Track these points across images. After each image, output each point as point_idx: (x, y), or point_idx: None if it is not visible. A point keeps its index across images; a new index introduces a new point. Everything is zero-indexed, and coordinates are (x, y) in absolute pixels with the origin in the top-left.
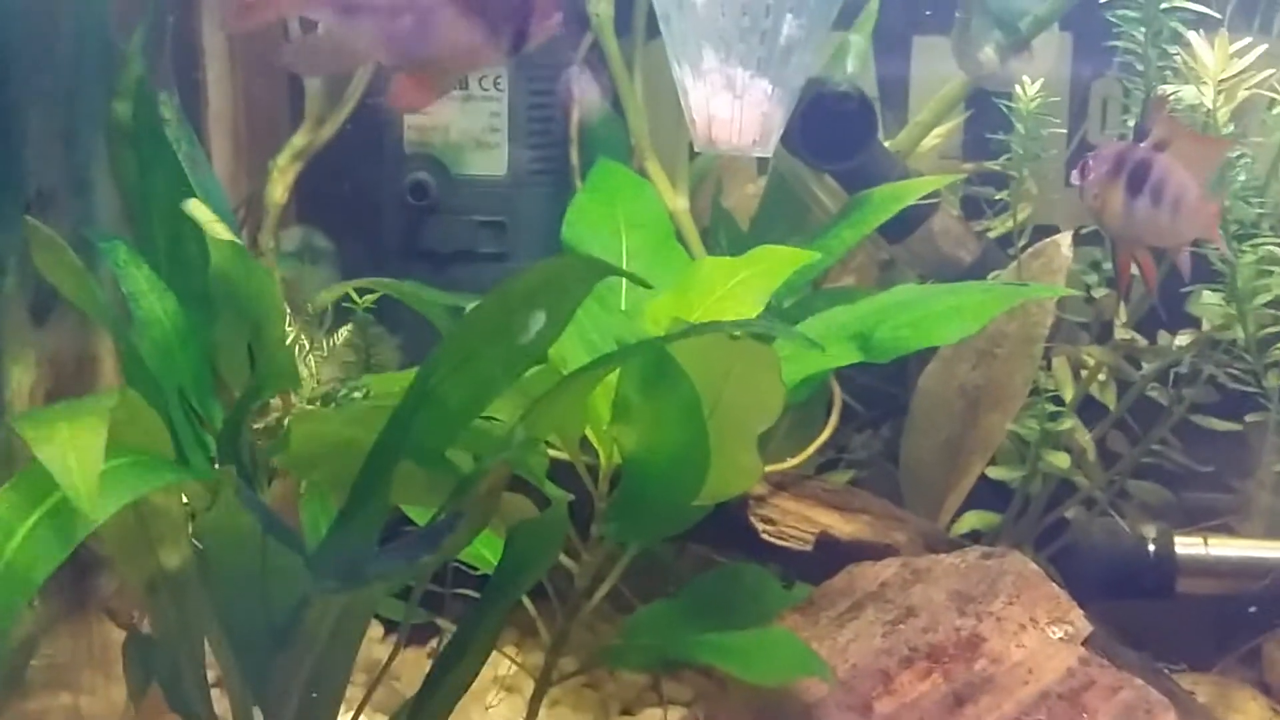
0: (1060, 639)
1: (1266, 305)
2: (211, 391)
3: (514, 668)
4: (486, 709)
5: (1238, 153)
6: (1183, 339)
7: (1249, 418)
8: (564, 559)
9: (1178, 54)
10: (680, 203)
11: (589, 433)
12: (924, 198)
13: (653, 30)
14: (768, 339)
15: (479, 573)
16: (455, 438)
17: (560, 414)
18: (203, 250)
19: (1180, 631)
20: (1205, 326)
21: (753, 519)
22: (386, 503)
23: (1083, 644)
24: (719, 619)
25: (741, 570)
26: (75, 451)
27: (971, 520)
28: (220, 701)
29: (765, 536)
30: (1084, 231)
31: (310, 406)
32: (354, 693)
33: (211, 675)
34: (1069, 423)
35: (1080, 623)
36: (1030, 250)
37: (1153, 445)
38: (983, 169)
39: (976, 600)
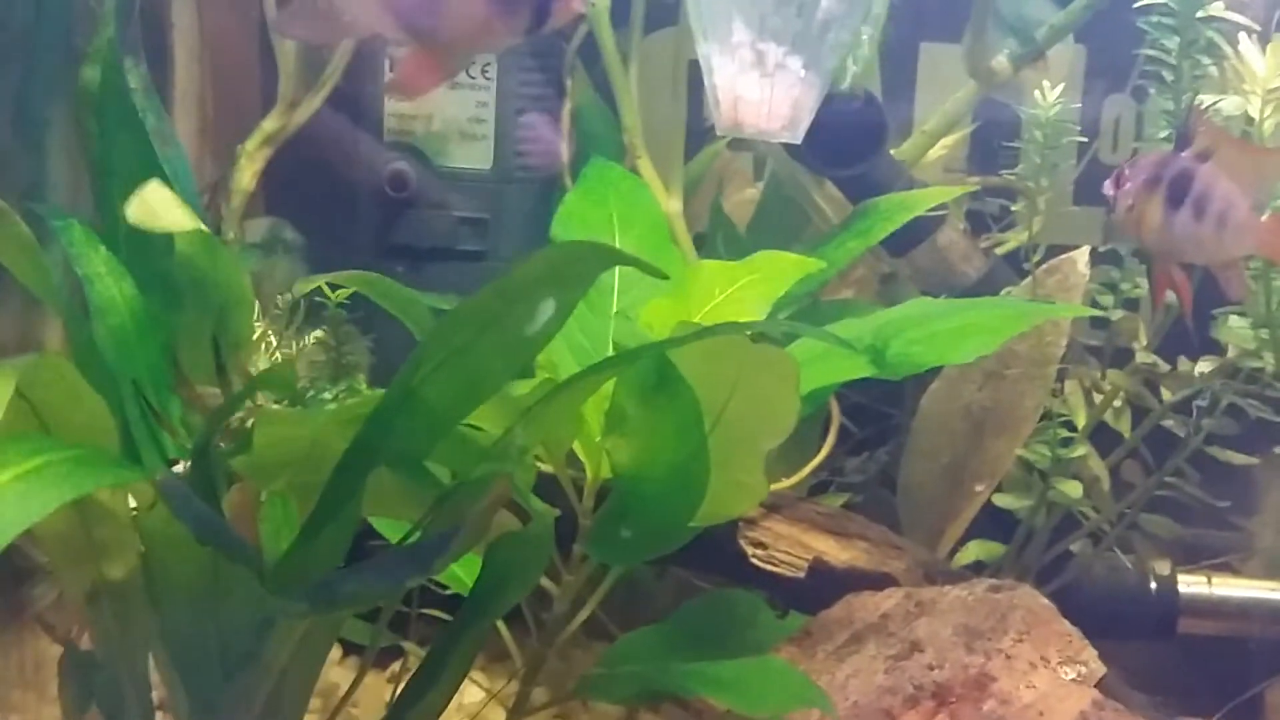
0: (1073, 680)
1: None
2: (169, 385)
3: (481, 696)
4: None
5: None
6: (1204, 365)
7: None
8: (542, 580)
9: (1213, 65)
10: (674, 205)
11: (576, 445)
12: (930, 210)
13: (651, 24)
14: (783, 345)
15: (448, 591)
16: (439, 442)
17: (550, 424)
18: (168, 233)
19: (1179, 674)
20: (1231, 353)
21: (742, 542)
22: (358, 514)
23: (1095, 686)
24: (708, 648)
25: (733, 597)
26: None
27: (975, 550)
28: None
29: (755, 561)
30: (1102, 250)
31: (276, 406)
32: None
33: (156, 696)
34: (1082, 449)
35: (1094, 663)
36: (1045, 267)
37: (1166, 477)
38: (1003, 181)
39: (985, 636)
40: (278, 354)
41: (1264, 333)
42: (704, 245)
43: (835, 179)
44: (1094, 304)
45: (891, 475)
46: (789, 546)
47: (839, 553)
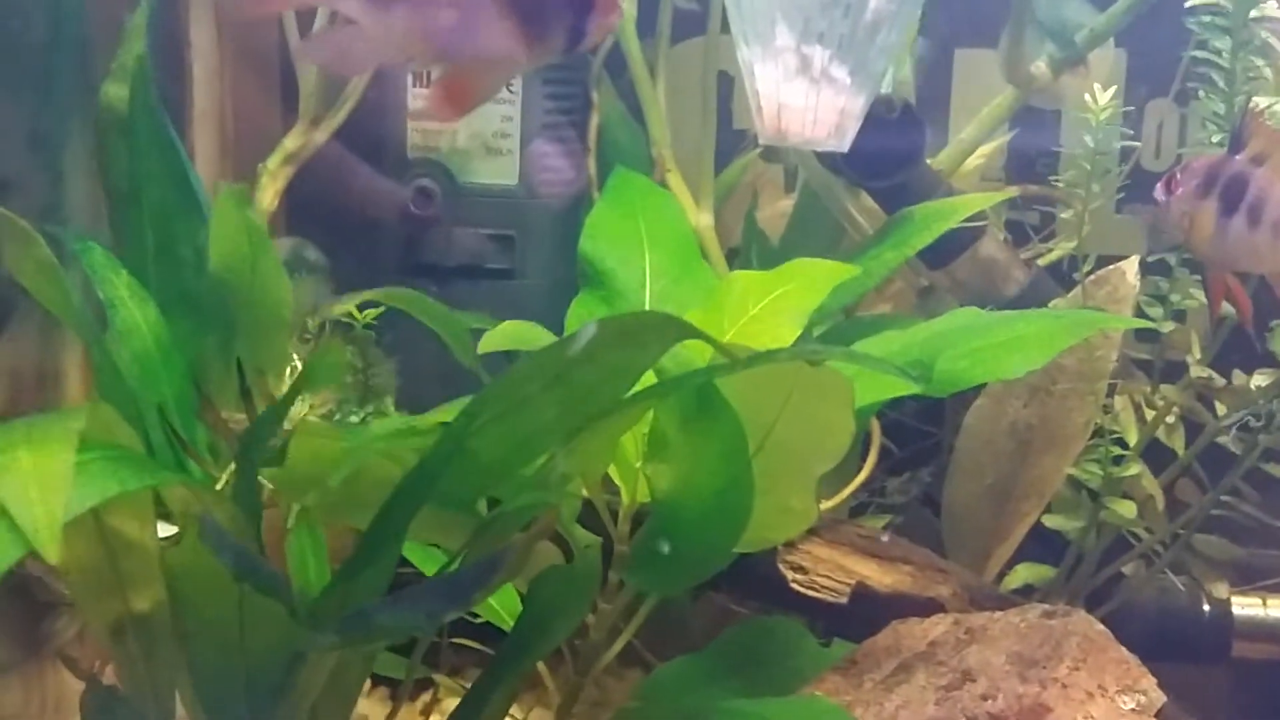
0: (1132, 710)
1: None
2: (194, 411)
3: None
4: None
5: None
6: (1260, 379)
7: None
8: None
9: (1267, 66)
10: (704, 219)
11: (611, 469)
12: (968, 220)
13: (678, 34)
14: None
15: (478, 620)
16: (489, 489)
17: (592, 452)
18: (197, 252)
19: (1233, 698)
20: None
21: (781, 566)
22: (399, 553)
23: (1155, 715)
24: (749, 679)
25: (774, 625)
26: (39, 486)
27: (1024, 574)
28: None
29: (795, 586)
30: (1150, 260)
31: (314, 420)
32: None
33: None
34: (1135, 468)
35: (1153, 692)
36: (1093, 278)
37: (1222, 496)
38: (1044, 190)
39: (1039, 664)
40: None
41: None
42: (737, 259)
43: (871, 190)
44: (1142, 316)
45: (933, 496)
46: (830, 571)
47: (882, 577)
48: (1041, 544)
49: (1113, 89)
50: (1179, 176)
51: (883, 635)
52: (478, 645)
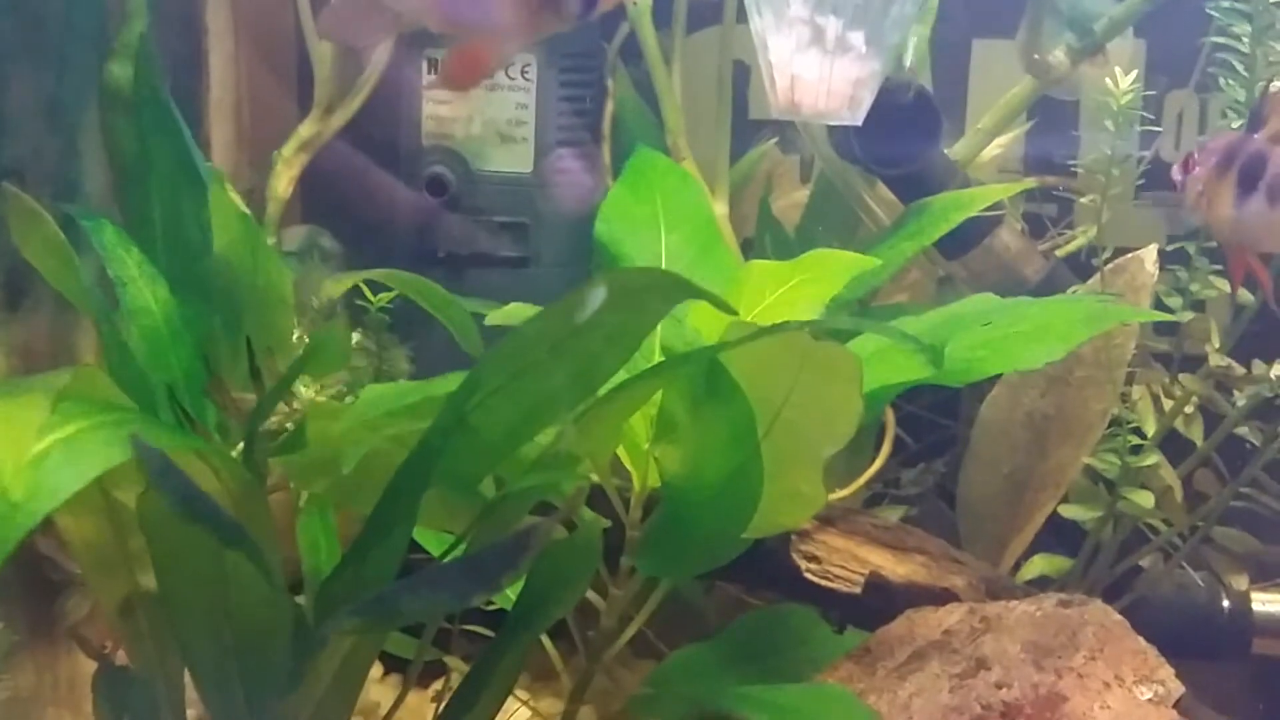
0: (1149, 700)
1: None
2: (204, 390)
3: (522, 714)
4: None
5: None
6: None
7: None
8: (589, 594)
9: None
10: (719, 209)
11: (621, 453)
12: (986, 210)
13: (694, 23)
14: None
15: (491, 607)
16: (494, 466)
17: (598, 433)
18: (204, 232)
19: (1255, 696)
20: None
21: (795, 556)
22: (408, 535)
23: (1174, 706)
24: (762, 666)
25: (787, 612)
26: (7, 441)
27: (1040, 565)
28: None
29: (808, 575)
30: (1169, 249)
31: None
32: None
33: (193, 715)
34: (1153, 458)
35: (1171, 683)
36: (1111, 267)
37: (1242, 488)
38: (1061, 179)
39: (1055, 654)
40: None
41: None
42: (751, 249)
43: (887, 178)
44: (1160, 306)
45: (948, 487)
46: (844, 560)
47: (896, 567)
48: (1058, 536)
49: (1134, 73)
50: (1197, 156)
51: (897, 624)
52: (489, 633)
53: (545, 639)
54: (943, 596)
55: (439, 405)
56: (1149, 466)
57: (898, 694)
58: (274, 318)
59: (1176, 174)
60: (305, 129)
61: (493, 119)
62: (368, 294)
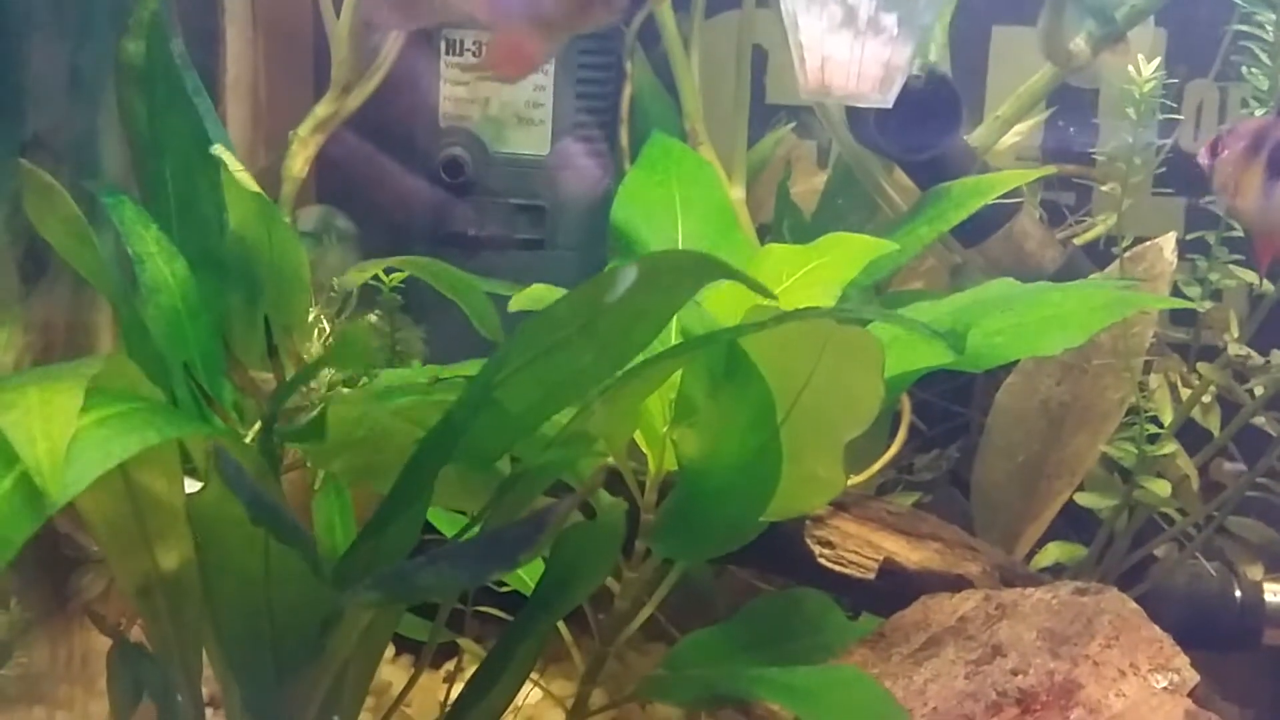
0: (1165, 689)
1: None
2: (222, 369)
3: (534, 697)
4: None
5: None
6: None
7: None
8: None
9: None
10: (736, 193)
11: (637, 436)
12: (1003, 197)
13: (713, 7)
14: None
15: (503, 589)
16: (515, 443)
17: (616, 414)
18: (219, 209)
19: (1270, 686)
20: None
21: (809, 541)
22: (425, 511)
23: (1189, 695)
24: (775, 650)
25: (801, 596)
26: (43, 420)
27: (1054, 552)
28: None
29: (822, 561)
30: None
31: (346, 390)
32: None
33: (206, 692)
34: (1170, 447)
35: (1186, 671)
36: (1129, 254)
37: (1258, 478)
38: (1080, 170)
39: (1070, 641)
40: (331, 340)
41: None
42: (768, 234)
43: (906, 164)
44: (1179, 295)
45: (962, 475)
46: (858, 546)
47: (910, 554)
48: (1073, 524)
49: (1156, 62)
50: (1225, 139)
51: (911, 610)
52: (502, 614)
53: (561, 625)
54: (957, 583)
55: (454, 386)
56: (1166, 455)
57: (913, 679)
58: (290, 296)
59: (1204, 158)
60: (322, 109)
61: (510, 101)
62: (381, 276)
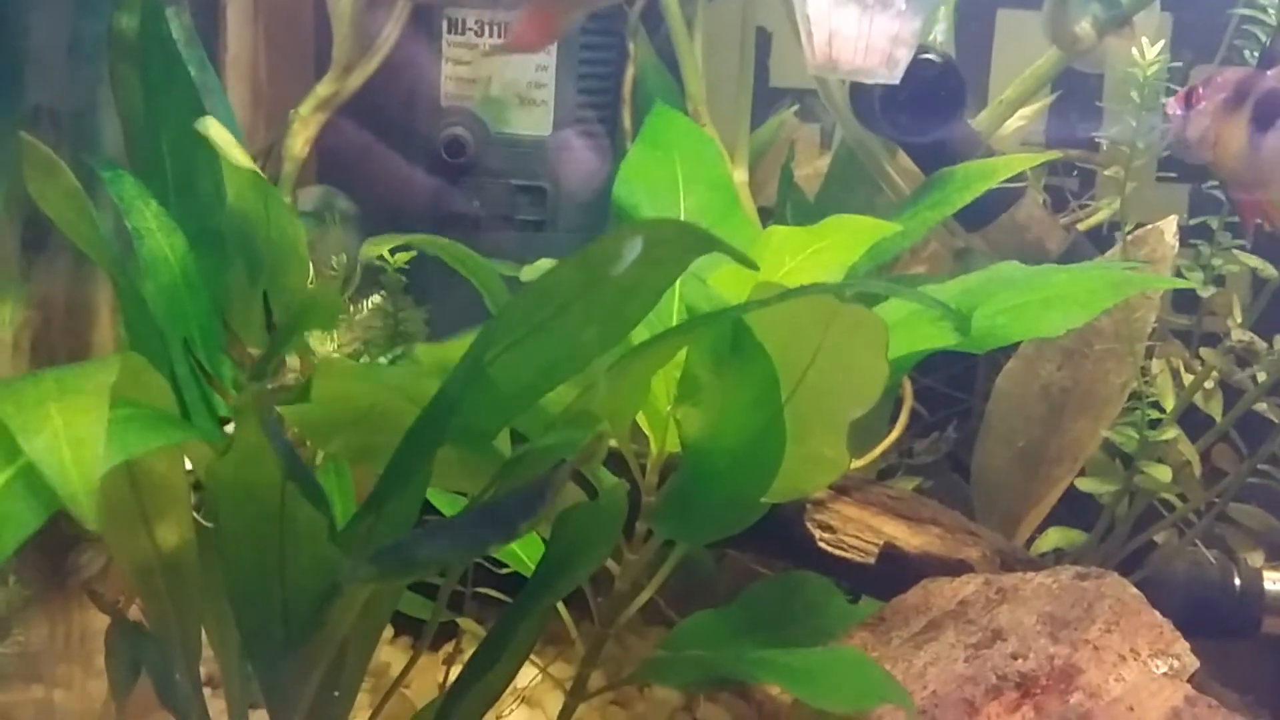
0: (1164, 674)
1: None
2: (221, 345)
3: (532, 679)
4: None
5: None
6: None
7: None
8: None
9: None
10: (739, 176)
11: (639, 417)
12: (1007, 182)
13: None
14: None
15: (502, 571)
16: (512, 418)
17: (619, 393)
18: (217, 185)
19: (1261, 673)
20: None
21: (809, 525)
22: (424, 489)
23: (1188, 681)
24: (775, 633)
25: (802, 580)
26: (71, 446)
27: (1055, 538)
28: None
29: (822, 545)
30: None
31: (337, 357)
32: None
33: (203, 671)
34: (1172, 432)
35: (1186, 657)
36: (1131, 238)
37: (1260, 464)
38: (1083, 155)
39: (1071, 626)
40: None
41: None
42: (770, 217)
43: (910, 148)
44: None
45: (961, 459)
46: (858, 530)
47: (911, 538)
48: (1073, 509)
49: (1160, 44)
50: (1201, 90)
51: (912, 593)
52: (501, 596)
53: (560, 606)
54: (957, 568)
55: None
56: (1167, 441)
57: (913, 663)
58: (289, 272)
59: (1176, 108)
60: (323, 88)
61: (512, 81)
62: (386, 256)
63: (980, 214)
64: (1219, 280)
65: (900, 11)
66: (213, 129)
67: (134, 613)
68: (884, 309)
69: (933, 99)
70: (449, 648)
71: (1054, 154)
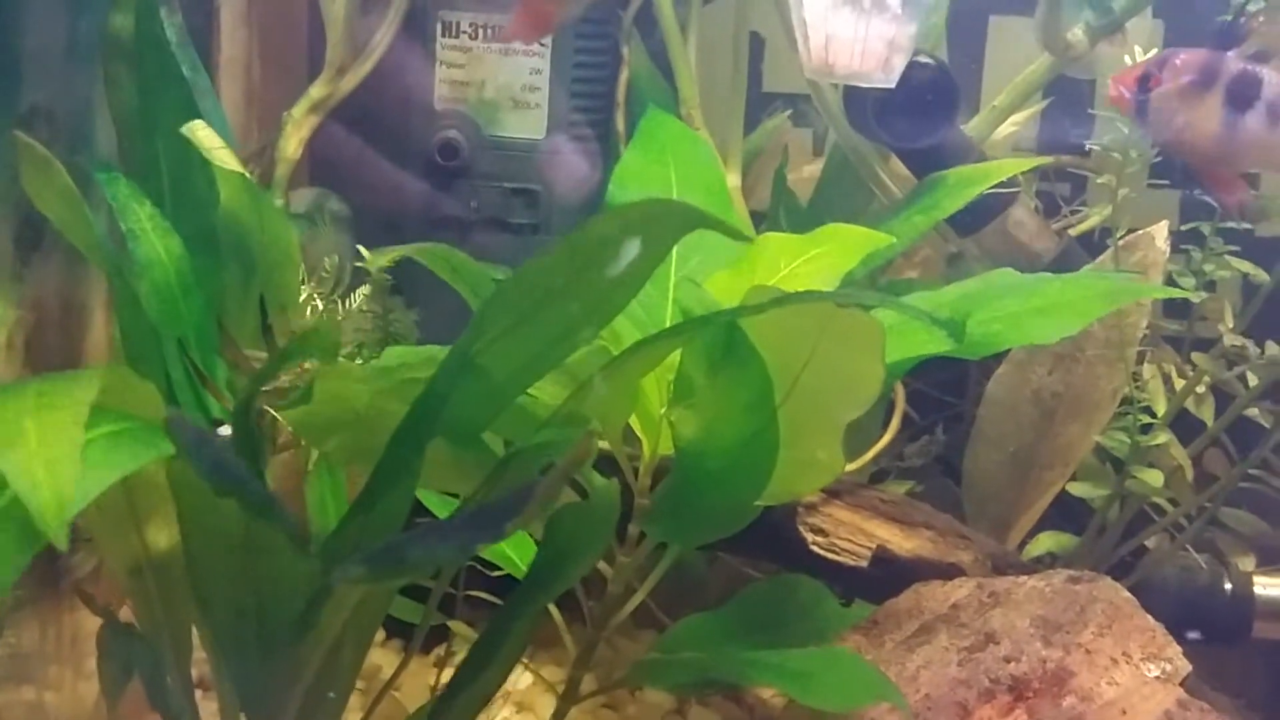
0: (1157, 677)
1: None
2: (215, 347)
3: (524, 682)
4: None
5: None
6: None
7: None
8: None
9: None
10: (732, 180)
11: (633, 420)
12: (999, 187)
13: None
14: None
15: (496, 573)
16: (499, 413)
17: (612, 395)
18: (211, 186)
19: (1261, 678)
20: None
21: (801, 528)
22: (414, 487)
23: (1179, 684)
24: (769, 635)
25: (795, 583)
26: (45, 464)
27: (1046, 542)
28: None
29: (814, 549)
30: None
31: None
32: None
33: (195, 673)
34: (1163, 437)
35: (1179, 660)
36: (1122, 243)
37: (1250, 469)
38: (1077, 161)
39: (1063, 629)
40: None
41: None
42: (763, 221)
43: (902, 153)
44: (1172, 285)
45: (952, 462)
46: (850, 534)
47: (903, 542)
48: (1064, 514)
49: (1153, 51)
50: (1160, 73)
51: (904, 597)
52: (493, 598)
53: (553, 608)
54: (949, 572)
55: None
56: (1159, 446)
57: (905, 666)
58: (281, 274)
59: (1125, 90)
60: (316, 90)
61: (506, 84)
62: (368, 257)
63: (972, 218)
64: (1210, 286)
65: (896, 15)
66: (200, 132)
67: (125, 614)
68: (878, 314)
69: (926, 104)
70: (440, 650)
71: (1046, 159)
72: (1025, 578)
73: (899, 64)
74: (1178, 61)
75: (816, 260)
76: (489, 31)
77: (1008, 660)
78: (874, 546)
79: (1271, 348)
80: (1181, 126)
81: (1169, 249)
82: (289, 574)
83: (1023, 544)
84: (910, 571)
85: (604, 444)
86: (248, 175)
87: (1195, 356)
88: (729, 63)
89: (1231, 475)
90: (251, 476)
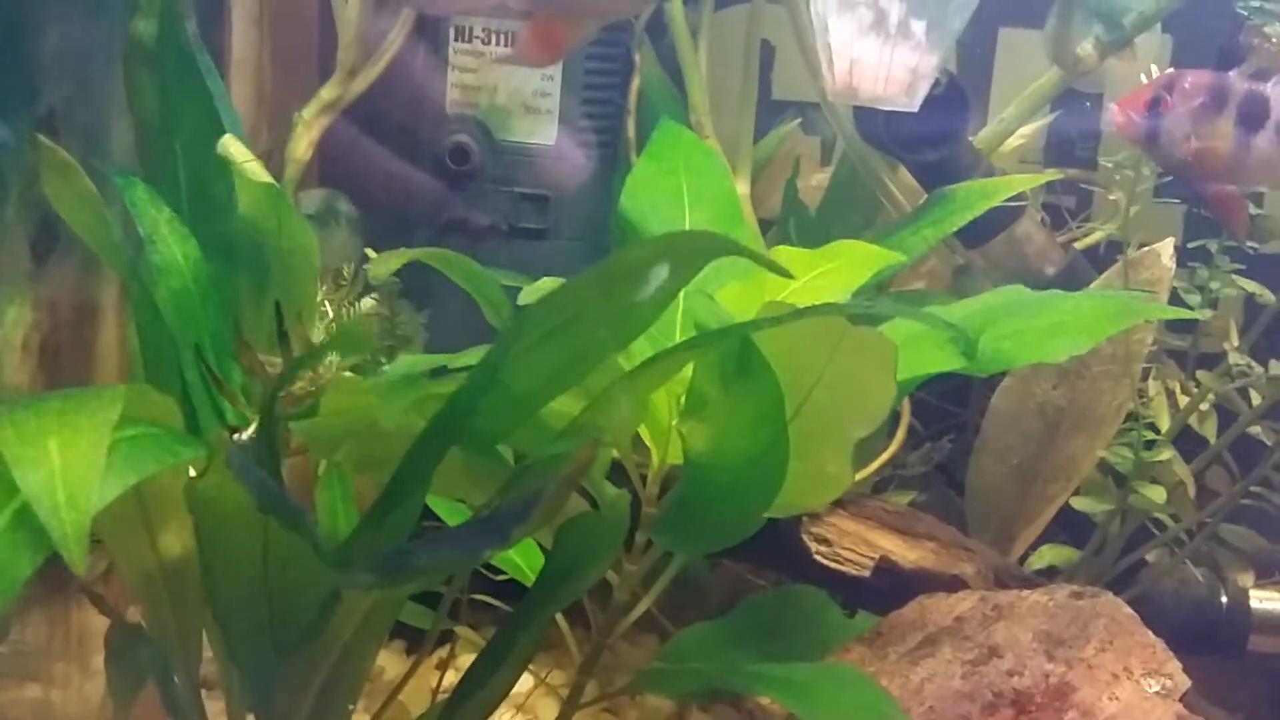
0: (1157, 693)
1: None
2: (231, 351)
3: (528, 686)
4: None
5: None
6: None
7: None
8: None
9: None
10: (741, 188)
11: (642, 429)
12: (1007, 200)
13: (722, 1)
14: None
15: (499, 578)
16: (521, 426)
17: (625, 407)
18: (230, 192)
19: (1252, 693)
20: None
21: (805, 538)
22: (425, 494)
23: (1179, 700)
24: (772, 646)
25: (798, 593)
26: (66, 487)
27: (1049, 555)
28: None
29: (818, 558)
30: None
31: (348, 374)
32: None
33: (202, 674)
34: (1166, 453)
35: (1179, 676)
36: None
37: (1252, 486)
38: (1083, 175)
39: (1066, 644)
40: (334, 325)
41: None
42: (771, 230)
43: (911, 163)
44: (1177, 302)
45: (954, 473)
46: (854, 544)
47: (907, 552)
48: (1067, 527)
49: (1155, 76)
50: (1170, 98)
51: (908, 609)
52: (497, 603)
53: (558, 615)
54: (952, 583)
55: (456, 379)
56: (1162, 461)
57: (909, 678)
58: (300, 280)
59: (1135, 115)
60: (327, 91)
61: (518, 90)
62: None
63: (979, 231)
64: (1214, 303)
65: (920, 43)
66: (233, 147)
67: (135, 615)
68: (889, 330)
69: (935, 116)
70: (442, 653)
71: (1056, 174)
72: (1028, 591)
73: (921, 90)
74: (1186, 85)
75: (828, 275)
76: (502, 37)
77: (1011, 674)
78: (877, 557)
79: (1275, 366)
80: (1194, 149)
81: (1174, 265)
82: (304, 583)
83: (1024, 556)
84: (913, 582)
85: (614, 453)
86: (271, 189)
87: (1200, 374)
88: (740, 70)
89: (1233, 492)
90: (289, 496)
